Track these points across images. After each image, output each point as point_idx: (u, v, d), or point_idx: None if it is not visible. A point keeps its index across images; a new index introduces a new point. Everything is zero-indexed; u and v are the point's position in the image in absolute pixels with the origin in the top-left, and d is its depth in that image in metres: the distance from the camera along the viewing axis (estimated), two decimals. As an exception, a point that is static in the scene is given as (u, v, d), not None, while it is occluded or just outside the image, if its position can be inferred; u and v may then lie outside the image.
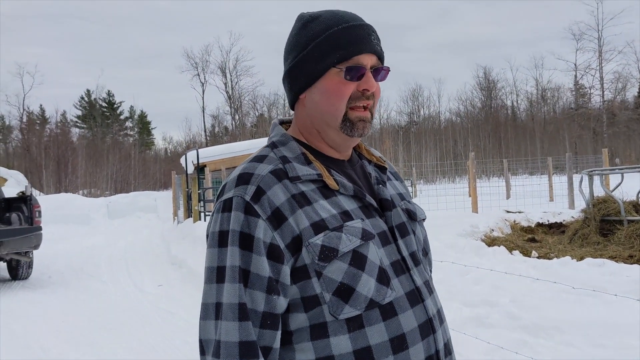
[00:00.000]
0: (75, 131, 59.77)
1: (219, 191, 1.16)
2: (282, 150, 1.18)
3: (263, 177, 1.10)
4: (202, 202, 14.71)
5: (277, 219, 1.07)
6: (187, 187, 16.03)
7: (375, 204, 1.19)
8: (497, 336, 4.01)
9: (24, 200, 9.92)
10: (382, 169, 1.31)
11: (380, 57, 1.19)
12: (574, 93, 57.38)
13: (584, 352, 3.68)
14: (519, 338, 3.99)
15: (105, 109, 63.66)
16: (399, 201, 1.26)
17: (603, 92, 53.47)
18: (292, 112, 1.29)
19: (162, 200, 25.43)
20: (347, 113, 1.16)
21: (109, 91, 64.56)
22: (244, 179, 1.11)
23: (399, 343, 1.09)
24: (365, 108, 1.17)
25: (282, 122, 1.30)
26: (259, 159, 1.16)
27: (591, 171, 9.62)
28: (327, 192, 1.14)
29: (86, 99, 63.09)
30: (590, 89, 55.68)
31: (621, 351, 3.62)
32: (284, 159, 1.15)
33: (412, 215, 1.27)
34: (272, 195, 1.08)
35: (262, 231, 1.06)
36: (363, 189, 1.20)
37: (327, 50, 1.15)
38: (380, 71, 1.19)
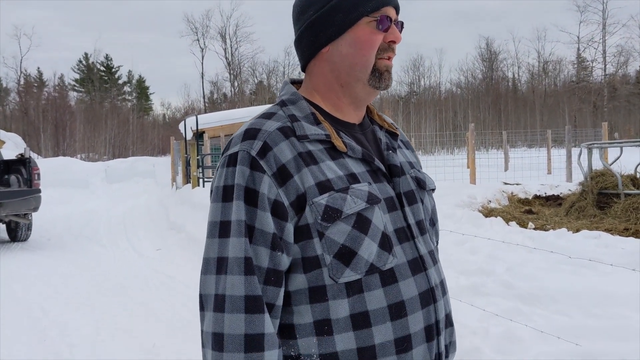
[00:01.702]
0: (73, 95, 59.44)
1: (225, 146, 1.14)
2: (291, 109, 1.15)
3: (270, 134, 1.09)
4: (200, 169, 14.71)
5: (282, 175, 1.05)
6: (186, 153, 16.00)
7: (383, 168, 1.17)
8: (492, 304, 4.07)
9: (22, 163, 9.91)
10: (393, 135, 1.28)
11: (398, 11, 1.20)
12: (575, 66, 57.01)
13: (576, 321, 3.74)
14: (513, 306, 4.05)
15: (103, 73, 63.13)
16: (409, 169, 1.24)
17: (605, 65, 53.14)
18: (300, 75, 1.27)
19: (160, 166, 25.44)
20: (376, 63, 1.16)
21: (107, 55, 64.08)
22: (250, 134, 1.09)
23: (397, 310, 1.08)
24: (389, 58, 1.17)
25: (293, 82, 1.26)
26: (267, 115, 1.14)
27: (590, 144, 9.63)
28: (334, 153, 1.12)
29: (84, 62, 62.52)
30: (592, 62, 55.33)
31: (613, 321, 3.67)
32: (292, 118, 1.13)
33: (422, 184, 1.25)
34: (278, 152, 1.07)
35: (267, 187, 1.05)
36: (372, 153, 1.18)
37: (358, 0, 1.13)
38: (398, 24, 1.19)
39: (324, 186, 1.07)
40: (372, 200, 1.09)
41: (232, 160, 1.08)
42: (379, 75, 1.17)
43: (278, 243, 1.05)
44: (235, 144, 1.10)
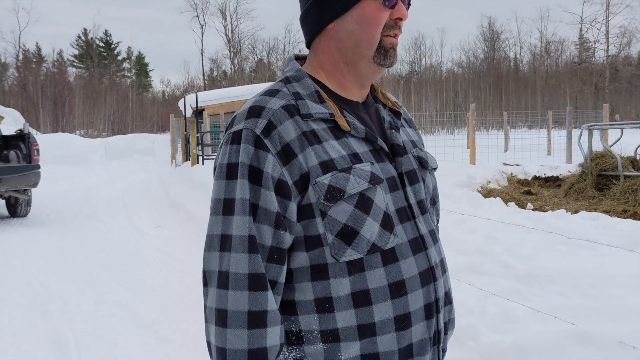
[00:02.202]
0: (72, 71, 59.16)
1: (228, 123, 1.13)
2: (295, 86, 1.15)
3: (274, 112, 1.08)
4: (200, 146, 14.70)
5: (286, 154, 1.06)
6: (186, 131, 15.98)
7: (386, 148, 1.17)
8: (489, 283, 4.09)
9: (22, 138, 9.90)
10: (396, 114, 1.27)
11: None
12: (578, 47, 56.70)
13: (573, 301, 3.76)
14: (511, 286, 4.07)
15: (102, 49, 62.72)
16: (411, 148, 1.24)
17: (608, 46, 52.85)
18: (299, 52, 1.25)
19: (160, 143, 25.39)
20: (382, 41, 1.15)
21: (106, 31, 63.60)
22: (255, 111, 1.09)
23: (397, 288, 1.09)
24: (395, 36, 1.17)
25: (297, 58, 1.26)
26: (272, 92, 1.13)
27: (591, 126, 9.61)
28: (338, 132, 1.12)
29: (83, 38, 62.07)
30: (594, 43, 55.04)
31: (610, 301, 3.70)
32: (296, 95, 1.13)
33: (423, 163, 1.25)
34: (282, 131, 1.07)
35: (271, 166, 1.05)
36: (375, 132, 1.18)
37: None
38: (405, 1, 1.18)
39: (327, 166, 1.07)
40: (374, 180, 1.10)
41: (236, 138, 1.08)
42: (385, 53, 1.16)
43: (281, 221, 1.06)
44: (239, 121, 1.09)
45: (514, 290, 4.00)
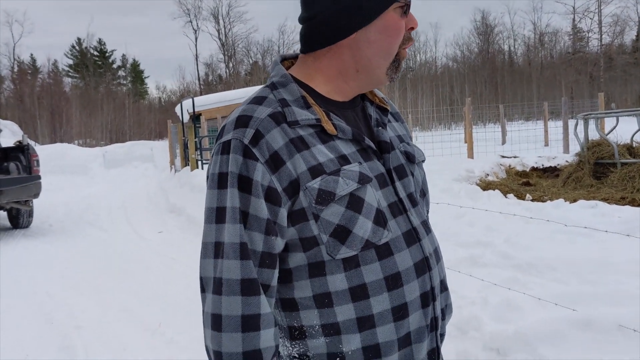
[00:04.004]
0: (67, 81, 59.19)
1: (218, 133, 1.16)
2: (281, 92, 1.16)
3: (262, 121, 1.10)
4: (198, 151, 14.73)
5: (275, 162, 1.08)
6: (184, 136, 16.00)
7: (373, 146, 1.18)
8: (490, 274, 4.13)
9: (21, 150, 9.94)
10: (383, 110, 1.29)
11: None
12: (571, 37, 56.77)
13: (573, 288, 3.81)
14: (511, 276, 4.11)
15: (97, 58, 62.71)
16: (398, 143, 1.26)
17: (601, 35, 52.91)
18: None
19: (158, 149, 25.42)
20: (398, 53, 1.17)
21: (100, 39, 63.58)
22: (242, 121, 1.11)
23: (393, 281, 1.12)
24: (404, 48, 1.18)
25: (284, 59, 1.26)
26: (259, 100, 1.15)
27: (586, 115, 9.65)
28: (325, 136, 1.14)
29: (77, 47, 62.07)
30: (588, 33, 55.12)
31: (608, 286, 3.75)
32: (283, 102, 1.14)
33: (411, 158, 1.27)
34: (270, 139, 1.09)
35: (261, 174, 1.07)
36: (362, 131, 1.20)
37: None
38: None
39: (316, 170, 1.09)
40: (363, 180, 1.12)
41: (225, 148, 1.10)
42: (397, 66, 1.18)
43: (272, 227, 1.08)
44: (228, 131, 1.12)
45: (514, 279, 4.05)
